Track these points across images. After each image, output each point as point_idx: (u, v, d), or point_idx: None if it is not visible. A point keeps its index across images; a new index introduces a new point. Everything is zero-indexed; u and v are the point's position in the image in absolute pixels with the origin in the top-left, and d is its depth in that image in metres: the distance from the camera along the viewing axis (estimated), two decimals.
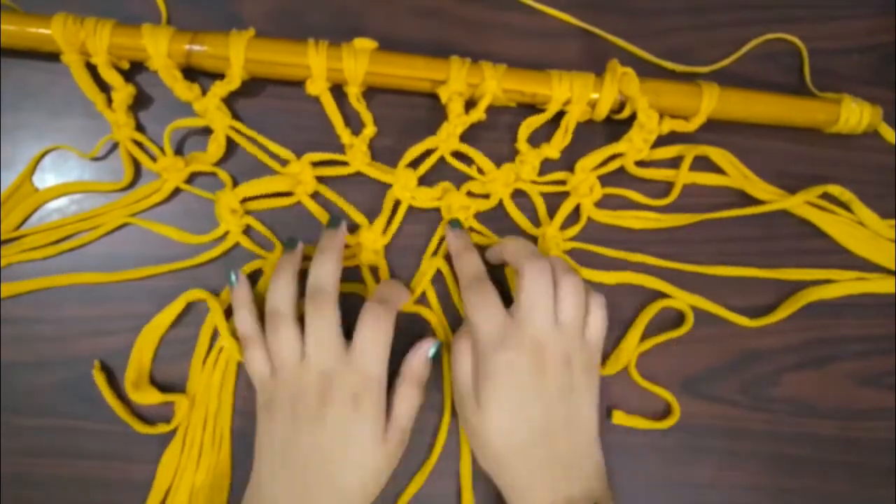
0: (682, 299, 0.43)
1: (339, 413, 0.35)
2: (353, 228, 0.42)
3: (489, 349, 0.36)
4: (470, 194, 0.42)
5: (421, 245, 0.42)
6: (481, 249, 0.41)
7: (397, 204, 0.42)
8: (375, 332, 0.36)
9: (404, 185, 0.41)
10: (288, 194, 0.42)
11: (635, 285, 0.43)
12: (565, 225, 0.43)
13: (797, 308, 0.43)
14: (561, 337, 0.36)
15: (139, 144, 0.41)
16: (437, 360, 0.40)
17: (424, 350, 0.39)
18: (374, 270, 0.42)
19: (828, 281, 0.44)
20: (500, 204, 0.43)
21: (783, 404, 0.44)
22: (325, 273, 0.37)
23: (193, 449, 0.40)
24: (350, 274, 0.42)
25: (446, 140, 0.41)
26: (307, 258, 0.40)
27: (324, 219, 0.42)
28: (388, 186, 0.42)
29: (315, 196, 0.42)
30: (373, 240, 0.41)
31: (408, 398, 0.37)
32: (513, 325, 0.36)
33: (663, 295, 0.43)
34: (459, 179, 0.43)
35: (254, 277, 0.41)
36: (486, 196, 0.42)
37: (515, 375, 0.35)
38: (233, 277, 0.39)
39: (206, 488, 0.40)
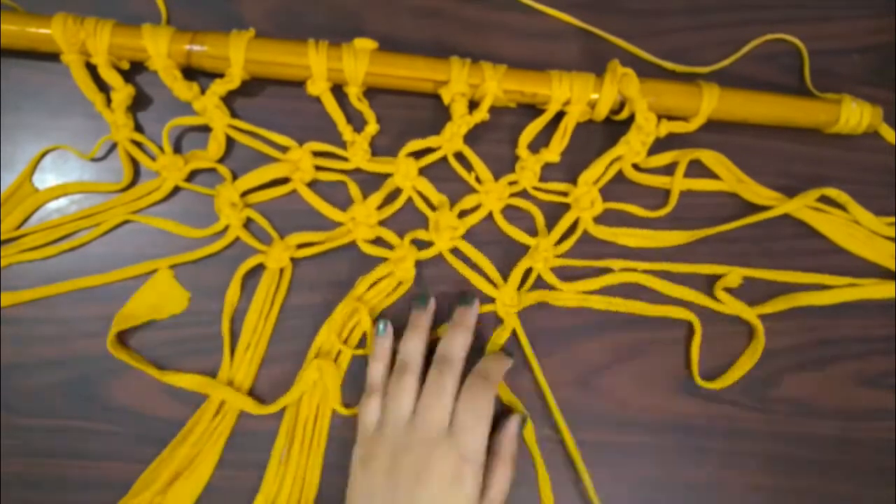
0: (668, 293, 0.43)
1: (437, 490, 0.35)
2: (347, 204, 0.42)
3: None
4: (462, 214, 0.42)
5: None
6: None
7: (397, 192, 0.42)
8: (476, 410, 0.37)
9: (405, 174, 0.41)
10: (286, 182, 0.42)
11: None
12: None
13: (786, 308, 0.43)
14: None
15: (138, 144, 0.41)
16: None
17: (513, 428, 0.40)
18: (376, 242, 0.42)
19: (822, 286, 0.44)
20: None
21: (783, 404, 0.44)
22: (456, 346, 0.39)
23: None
24: (345, 252, 0.42)
25: (450, 140, 0.41)
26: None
27: (320, 208, 0.42)
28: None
29: (313, 187, 0.42)
30: (366, 214, 0.41)
31: (502, 476, 0.38)
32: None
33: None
34: (459, 180, 0.43)
35: (253, 285, 0.41)
36: (478, 206, 0.42)
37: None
38: (381, 327, 0.40)
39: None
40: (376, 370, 0.40)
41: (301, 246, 0.42)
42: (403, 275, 0.41)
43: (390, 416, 0.37)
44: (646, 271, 0.43)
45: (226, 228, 0.41)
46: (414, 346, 0.39)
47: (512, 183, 0.43)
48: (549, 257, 0.42)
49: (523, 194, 0.43)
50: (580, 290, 0.43)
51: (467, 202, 0.42)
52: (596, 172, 0.43)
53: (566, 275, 0.43)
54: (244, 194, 0.41)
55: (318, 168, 0.42)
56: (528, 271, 0.43)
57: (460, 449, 0.36)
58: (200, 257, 0.41)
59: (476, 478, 0.36)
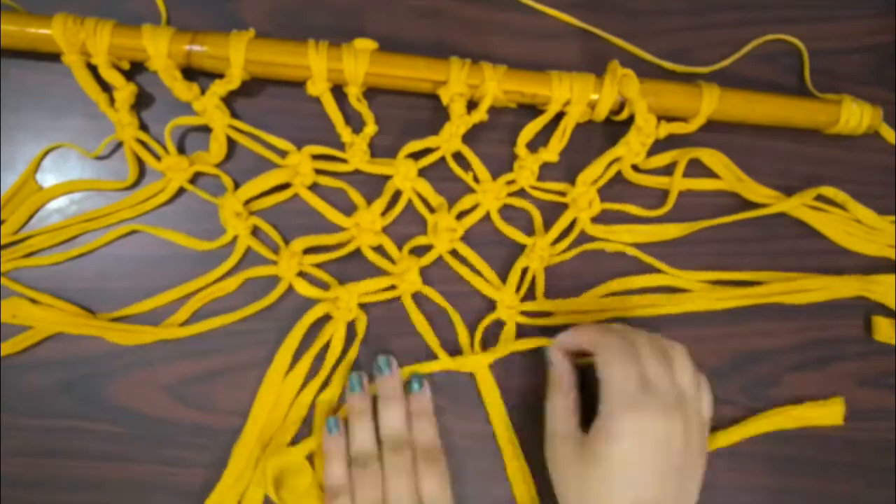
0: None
1: None
2: (351, 210, 0.42)
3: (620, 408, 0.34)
4: (461, 215, 0.42)
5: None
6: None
7: (399, 194, 0.42)
8: (435, 487, 0.37)
9: (405, 176, 0.41)
10: (287, 187, 0.42)
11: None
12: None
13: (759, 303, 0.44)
14: (684, 413, 0.35)
15: (143, 143, 0.41)
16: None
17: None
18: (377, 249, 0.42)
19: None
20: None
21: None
22: (394, 421, 0.39)
23: None
24: (351, 258, 0.42)
25: (448, 140, 0.41)
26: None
27: (324, 211, 0.41)
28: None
29: (315, 190, 0.42)
30: (371, 220, 0.41)
31: None
32: (648, 389, 0.34)
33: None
34: (458, 181, 0.43)
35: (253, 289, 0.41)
36: (475, 206, 0.42)
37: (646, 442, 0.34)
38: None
39: None
40: (336, 471, 0.38)
41: (308, 251, 0.41)
42: (410, 287, 0.41)
43: None
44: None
45: (234, 239, 0.41)
46: (363, 436, 0.38)
47: (510, 182, 0.43)
48: (544, 256, 0.42)
49: (521, 194, 0.43)
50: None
51: (465, 202, 0.42)
52: (594, 173, 0.43)
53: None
54: (247, 202, 0.41)
55: (318, 171, 0.42)
56: (526, 275, 0.43)
57: None
58: (217, 277, 0.41)
59: None
